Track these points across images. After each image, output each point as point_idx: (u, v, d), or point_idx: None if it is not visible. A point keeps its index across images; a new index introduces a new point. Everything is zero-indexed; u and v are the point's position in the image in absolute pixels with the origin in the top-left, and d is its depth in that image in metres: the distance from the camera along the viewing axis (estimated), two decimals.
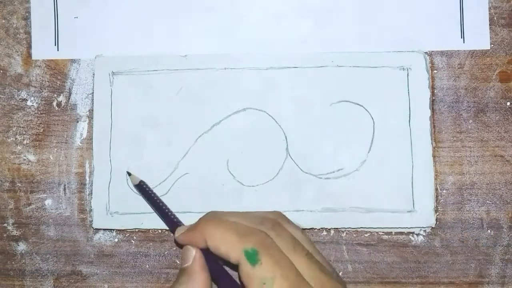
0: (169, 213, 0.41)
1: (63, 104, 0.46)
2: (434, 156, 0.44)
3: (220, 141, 0.44)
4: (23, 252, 0.46)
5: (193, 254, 0.36)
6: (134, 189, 0.44)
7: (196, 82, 0.45)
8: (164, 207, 0.42)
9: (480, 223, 0.44)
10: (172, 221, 0.41)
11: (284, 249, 0.32)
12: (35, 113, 0.46)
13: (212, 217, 0.36)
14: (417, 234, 0.44)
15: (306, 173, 0.44)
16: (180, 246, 0.39)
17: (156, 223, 0.44)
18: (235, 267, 0.33)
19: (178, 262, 0.45)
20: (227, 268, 0.37)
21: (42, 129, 0.46)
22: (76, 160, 0.46)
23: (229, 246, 0.33)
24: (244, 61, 0.45)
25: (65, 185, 0.46)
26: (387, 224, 0.43)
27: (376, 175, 0.44)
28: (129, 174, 0.44)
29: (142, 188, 0.43)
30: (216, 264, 0.37)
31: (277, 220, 0.36)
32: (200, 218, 0.37)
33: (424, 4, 0.45)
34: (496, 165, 0.44)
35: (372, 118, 0.44)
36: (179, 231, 0.38)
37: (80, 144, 0.46)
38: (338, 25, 0.45)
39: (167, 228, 0.44)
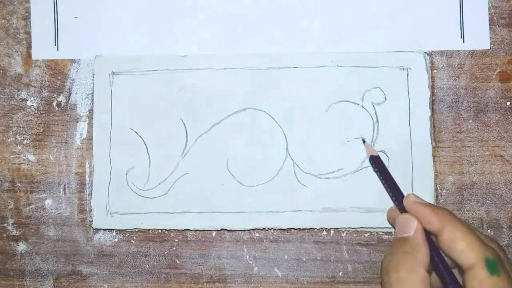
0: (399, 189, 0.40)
1: (63, 104, 0.46)
2: (434, 156, 0.44)
3: (220, 141, 0.44)
4: (23, 252, 0.46)
5: (415, 225, 0.35)
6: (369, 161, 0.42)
7: (196, 82, 0.45)
8: (395, 183, 0.40)
9: (480, 223, 0.44)
10: (400, 194, 0.39)
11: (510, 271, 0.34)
12: (35, 113, 0.46)
13: (451, 212, 0.36)
14: None
15: (306, 173, 0.44)
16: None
17: (156, 223, 0.44)
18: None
19: (178, 262, 0.45)
20: None
21: (42, 129, 0.46)
22: (76, 160, 0.46)
23: (469, 246, 0.33)
24: (244, 61, 0.45)
25: (65, 185, 0.46)
26: (387, 224, 0.43)
27: (376, 175, 0.44)
28: (364, 141, 0.43)
29: (377, 162, 0.41)
30: (436, 248, 0.35)
31: (499, 244, 0.36)
32: (437, 206, 0.36)
33: (424, 4, 0.45)
34: (496, 165, 0.44)
35: (372, 118, 0.44)
36: (413, 198, 0.37)
37: (80, 144, 0.46)
38: (338, 25, 0.45)
39: (167, 228, 0.44)
